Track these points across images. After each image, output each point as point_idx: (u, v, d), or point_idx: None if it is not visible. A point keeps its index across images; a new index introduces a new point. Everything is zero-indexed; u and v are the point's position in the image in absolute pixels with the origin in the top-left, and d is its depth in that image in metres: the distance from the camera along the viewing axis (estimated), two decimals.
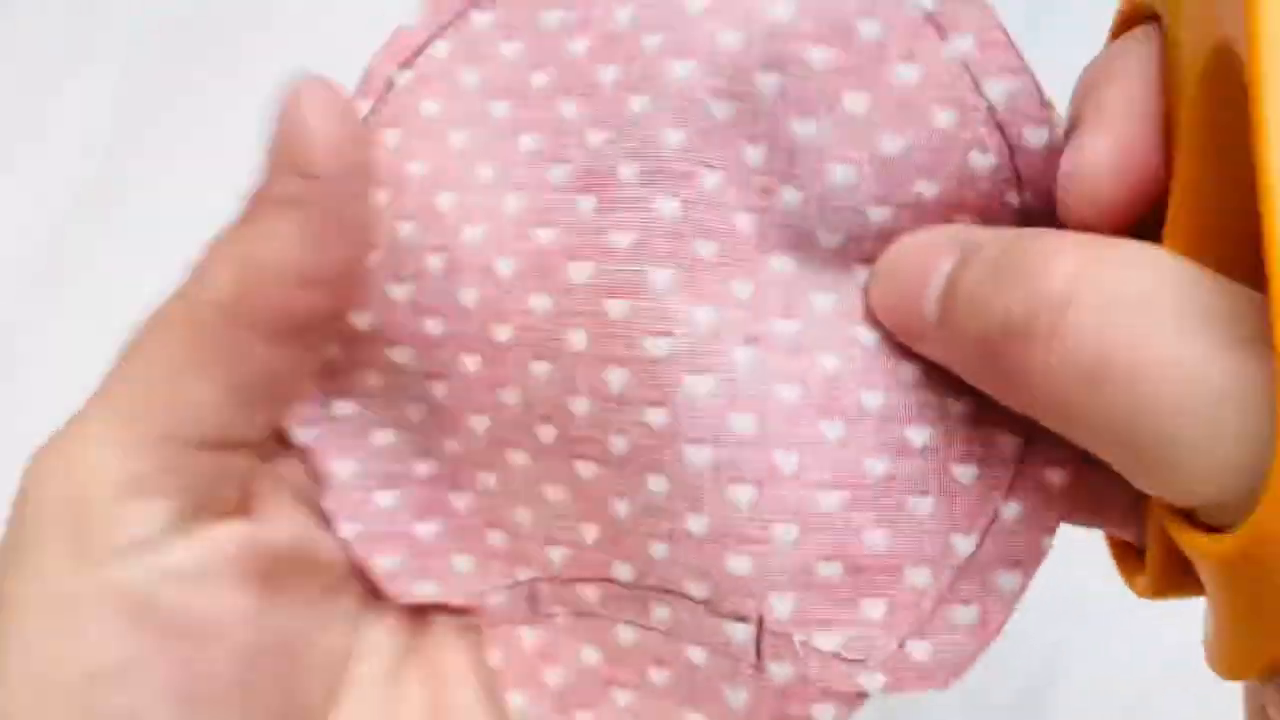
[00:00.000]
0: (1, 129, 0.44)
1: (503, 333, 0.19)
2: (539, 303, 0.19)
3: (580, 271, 0.19)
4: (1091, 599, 0.37)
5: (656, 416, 0.18)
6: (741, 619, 0.19)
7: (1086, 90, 0.17)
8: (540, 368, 0.19)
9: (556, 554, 0.21)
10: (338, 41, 0.46)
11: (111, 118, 0.43)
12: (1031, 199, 0.18)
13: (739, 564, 0.19)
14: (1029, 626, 0.40)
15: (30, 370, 0.41)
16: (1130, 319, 0.14)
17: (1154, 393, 0.14)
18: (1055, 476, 0.19)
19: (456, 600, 0.21)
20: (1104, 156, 0.16)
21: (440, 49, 0.21)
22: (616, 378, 0.19)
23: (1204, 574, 0.15)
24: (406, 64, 0.21)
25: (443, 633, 0.22)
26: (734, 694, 0.19)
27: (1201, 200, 0.15)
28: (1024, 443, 0.19)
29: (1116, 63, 0.17)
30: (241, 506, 0.19)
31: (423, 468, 0.21)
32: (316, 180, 0.16)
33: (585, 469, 0.20)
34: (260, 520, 0.19)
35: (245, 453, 0.19)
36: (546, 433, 0.20)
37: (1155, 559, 0.18)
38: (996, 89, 0.18)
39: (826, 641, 0.19)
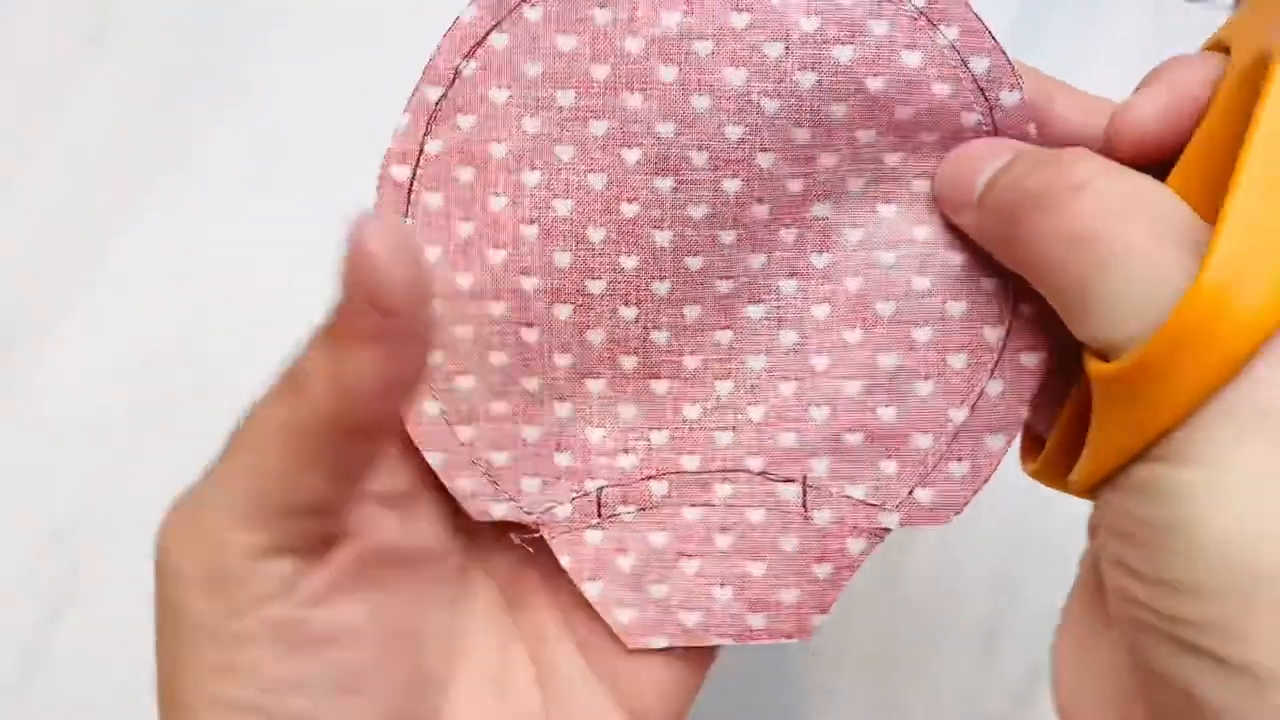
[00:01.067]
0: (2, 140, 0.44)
1: (596, 286, 0.24)
2: (628, 262, 0.24)
3: (663, 237, 0.24)
4: None
5: (724, 337, 0.25)
6: (789, 481, 0.25)
7: (1153, 72, 0.23)
8: (628, 312, 0.24)
9: (628, 461, 0.25)
10: (339, 55, 0.46)
11: (111, 130, 0.43)
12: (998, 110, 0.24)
13: (787, 439, 0.25)
14: (1022, 634, 0.40)
15: (31, 374, 0.41)
16: (1120, 211, 0.19)
17: (1115, 262, 0.19)
18: (1030, 360, 0.24)
19: (527, 519, 0.25)
20: (1149, 110, 0.22)
21: (499, 40, 0.24)
22: (692, 311, 0.25)
23: (1095, 399, 0.20)
24: (470, 54, 0.24)
25: (537, 600, 0.26)
26: (786, 541, 0.25)
27: (1201, 162, 0.21)
28: (1006, 334, 0.24)
29: (1179, 61, 0.22)
30: (343, 527, 0.22)
31: (499, 407, 0.25)
32: (395, 316, 0.19)
33: (660, 386, 0.25)
34: (360, 534, 0.22)
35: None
36: (628, 362, 0.25)
37: (1051, 445, 0.23)
38: (979, 64, 0.23)
39: (855, 491, 0.25)
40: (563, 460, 0.25)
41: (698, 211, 0.24)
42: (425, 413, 0.25)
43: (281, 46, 0.45)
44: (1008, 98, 0.23)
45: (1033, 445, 0.25)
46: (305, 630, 0.21)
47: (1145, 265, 0.19)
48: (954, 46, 0.23)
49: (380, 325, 0.19)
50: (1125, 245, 0.19)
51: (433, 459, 0.24)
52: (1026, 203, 0.21)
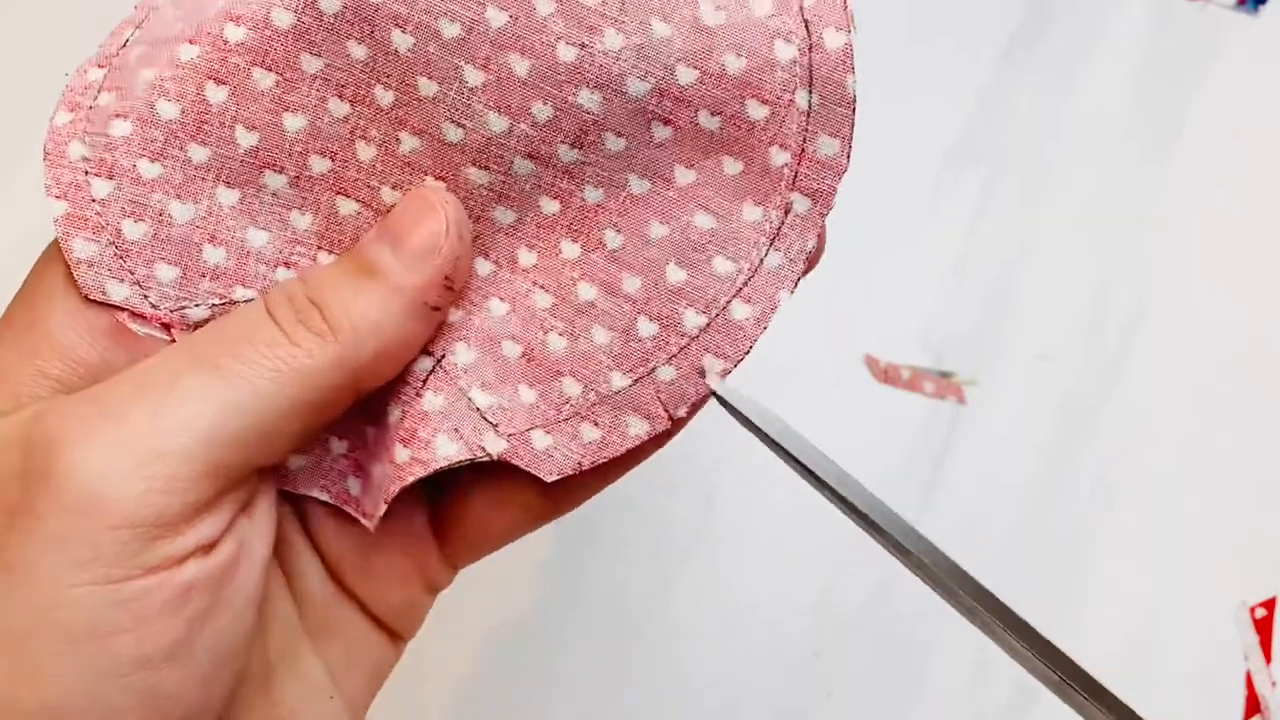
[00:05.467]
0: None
1: (311, 64, 0.22)
2: (358, 51, 0.22)
3: (403, 40, 0.22)
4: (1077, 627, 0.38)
5: (434, 185, 0.23)
6: (430, 354, 0.23)
7: None
8: (339, 107, 0.23)
9: (287, 277, 0.23)
10: None
11: None
12: (818, 102, 0.22)
13: (456, 316, 0.23)
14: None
15: None
16: None
17: None
18: (713, 365, 0.23)
19: (149, 310, 0.22)
20: None
21: None
22: (409, 141, 0.23)
23: None
24: None
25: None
26: (394, 411, 0.23)
27: None
28: (703, 328, 0.23)
29: None
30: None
31: (151, 169, 0.22)
32: (453, 296, 0.23)
33: (348, 206, 0.23)
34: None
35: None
36: (319, 164, 0.23)
37: None
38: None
39: (480, 398, 0.23)
40: (213, 257, 0.23)
41: (450, 30, 0.22)
42: (70, 154, 0.22)
43: None
44: (832, 39, 0.22)
45: None
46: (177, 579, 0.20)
47: None
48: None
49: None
50: None
51: (56, 206, 0.22)
52: None
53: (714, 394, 0.23)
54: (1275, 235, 0.44)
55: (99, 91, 0.22)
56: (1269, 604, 0.40)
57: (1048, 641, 0.22)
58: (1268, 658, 0.39)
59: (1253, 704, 0.39)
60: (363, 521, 0.23)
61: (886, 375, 0.42)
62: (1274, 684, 0.39)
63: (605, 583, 0.40)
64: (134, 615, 0.19)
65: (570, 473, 0.23)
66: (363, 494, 0.24)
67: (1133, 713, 0.22)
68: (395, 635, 0.26)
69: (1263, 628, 0.40)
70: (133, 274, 0.22)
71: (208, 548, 0.20)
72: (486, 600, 0.39)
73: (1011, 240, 0.44)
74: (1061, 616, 0.40)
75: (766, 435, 0.24)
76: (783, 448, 0.24)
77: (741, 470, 0.41)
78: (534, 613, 0.39)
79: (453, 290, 0.23)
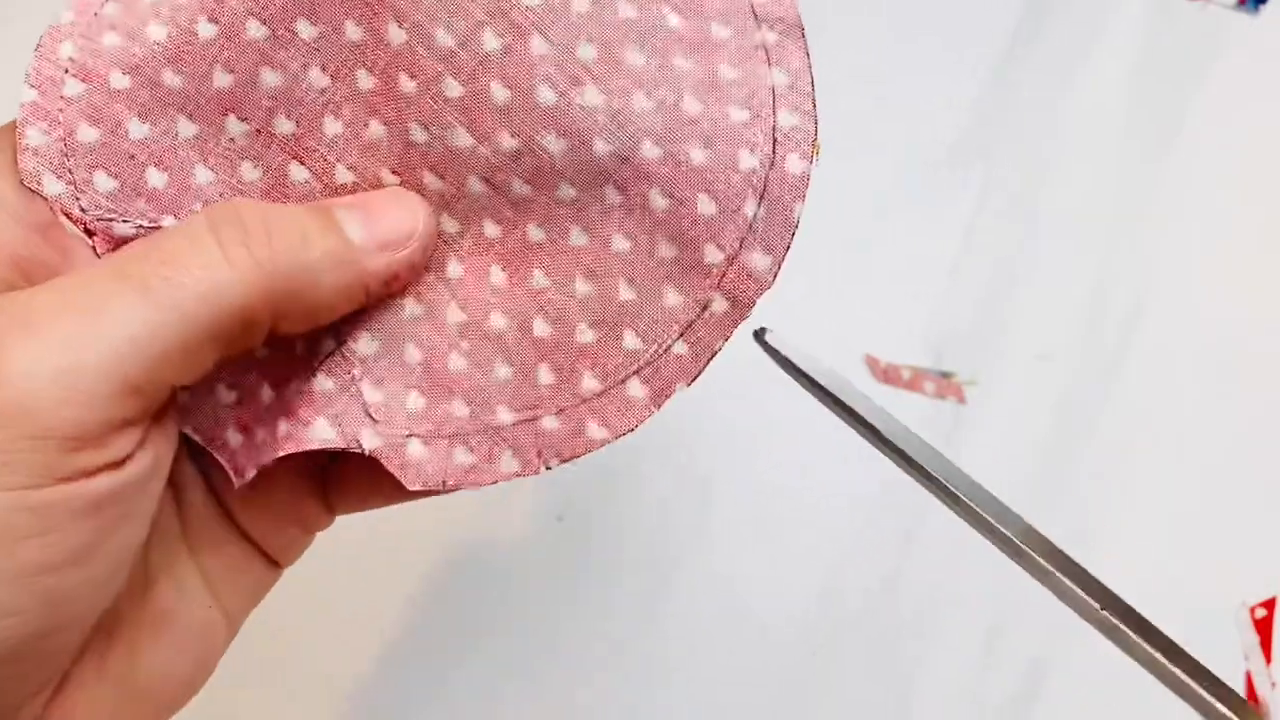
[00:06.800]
0: None
1: (306, 30, 0.23)
2: (354, 32, 0.23)
3: (398, 33, 0.23)
4: (1075, 627, 0.38)
5: (389, 179, 0.24)
6: (334, 336, 0.23)
7: None
8: (319, 78, 0.23)
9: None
10: None
11: None
12: (763, 217, 0.23)
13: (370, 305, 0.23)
14: (1022, 634, 0.40)
15: None
16: None
17: None
18: (596, 432, 0.23)
19: (78, 214, 0.22)
20: None
21: None
22: (376, 130, 0.23)
23: None
24: None
25: None
26: (293, 382, 0.23)
27: None
28: (597, 394, 0.23)
29: None
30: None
31: (121, 80, 0.22)
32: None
33: (299, 172, 0.24)
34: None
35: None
36: (284, 126, 0.23)
37: None
38: (787, 118, 0.23)
39: (369, 392, 0.23)
40: (154, 180, 0.23)
41: (444, 39, 0.23)
42: (60, 52, 0.22)
43: None
44: (793, 165, 0.23)
45: None
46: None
47: None
48: (774, 90, 0.23)
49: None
50: None
51: (26, 93, 0.22)
52: None
53: (756, 337, 0.24)
54: (1274, 235, 0.44)
55: (107, 1, 0.23)
56: (1269, 604, 0.40)
57: (1086, 571, 0.24)
58: (1268, 658, 0.39)
59: (1253, 704, 0.39)
60: (232, 477, 0.23)
61: (887, 375, 0.42)
62: (1274, 684, 0.39)
63: (603, 580, 0.40)
64: (42, 522, 0.19)
65: (433, 489, 0.23)
66: (241, 450, 0.24)
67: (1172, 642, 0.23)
68: (274, 561, 0.26)
69: (1263, 628, 0.40)
70: (71, 174, 0.22)
71: (120, 462, 0.20)
72: (484, 598, 0.39)
73: (1011, 240, 0.44)
74: (1061, 616, 0.40)
75: (804, 374, 0.25)
76: (819, 385, 0.25)
77: (741, 470, 0.41)
78: (531, 611, 0.39)
79: (389, 290, 0.23)
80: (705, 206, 0.23)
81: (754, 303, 0.23)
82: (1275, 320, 0.43)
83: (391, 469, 0.23)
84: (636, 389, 0.23)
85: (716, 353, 0.23)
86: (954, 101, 0.45)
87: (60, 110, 0.22)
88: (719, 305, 0.23)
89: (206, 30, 0.23)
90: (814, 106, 0.23)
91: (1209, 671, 0.23)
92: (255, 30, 0.23)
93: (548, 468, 0.23)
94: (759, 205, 0.23)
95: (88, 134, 0.22)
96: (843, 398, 0.24)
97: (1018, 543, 0.24)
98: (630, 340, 0.23)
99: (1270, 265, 0.44)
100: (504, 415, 0.23)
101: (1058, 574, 0.23)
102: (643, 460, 0.25)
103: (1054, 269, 0.43)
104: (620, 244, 0.23)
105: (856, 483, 0.41)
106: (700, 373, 0.23)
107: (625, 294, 0.23)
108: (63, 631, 0.21)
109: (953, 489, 0.23)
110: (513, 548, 0.40)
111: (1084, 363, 0.42)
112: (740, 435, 0.41)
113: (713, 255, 0.23)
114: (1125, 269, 0.43)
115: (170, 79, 0.23)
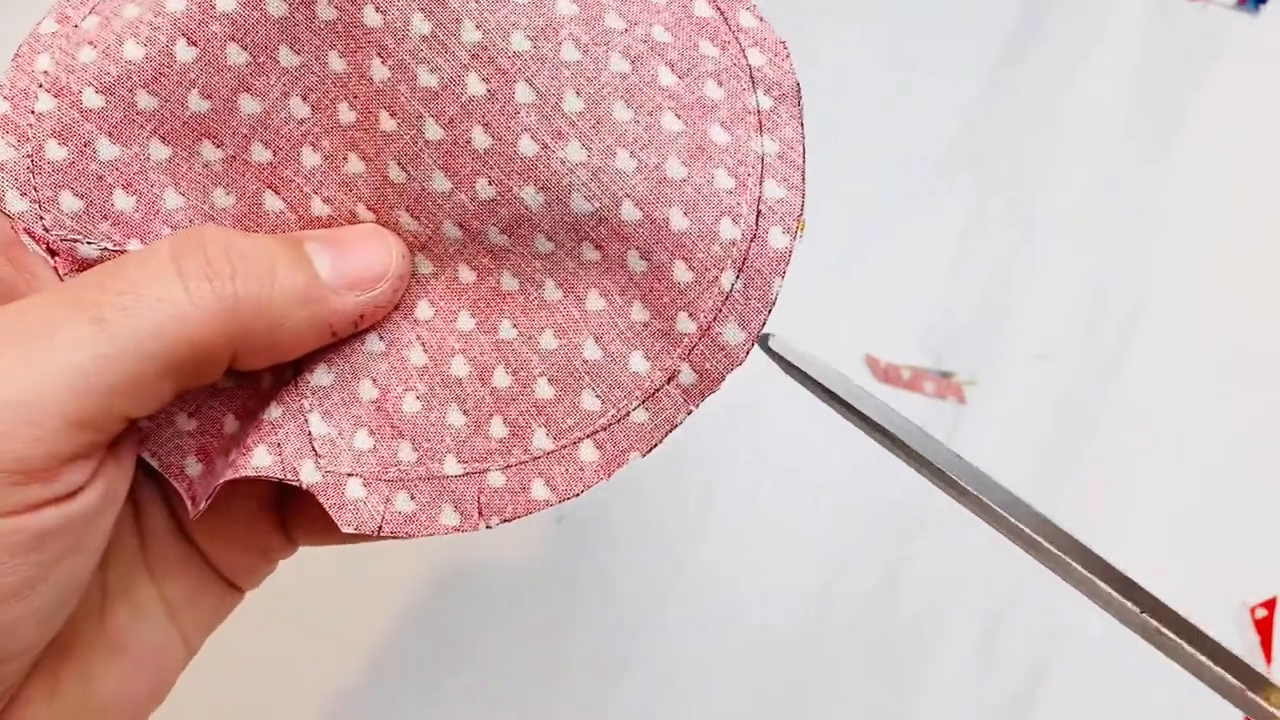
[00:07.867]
0: None
1: (289, 58, 0.23)
2: (337, 64, 0.23)
3: (381, 71, 0.22)
4: (1074, 628, 0.38)
5: (365, 214, 0.23)
6: (293, 364, 0.23)
7: None
8: (299, 108, 0.23)
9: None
10: None
11: None
12: (740, 290, 0.22)
13: (375, 343, 0.23)
14: (1022, 634, 0.40)
15: None
16: None
17: None
18: (541, 493, 0.23)
19: (42, 234, 0.22)
20: None
21: None
22: (355, 165, 0.23)
23: None
24: None
25: None
26: (272, 410, 0.23)
27: None
28: (547, 453, 0.23)
29: None
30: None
31: (94, 100, 0.22)
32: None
33: (273, 202, 0.23)
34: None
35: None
36: (260, 154, 0.23)
37: None
38: (774, 190, 0.22)
39: (316, 424, 0.23)
40: (122, 203, 0.22)
41: (427, 79, 0.22)
42: (36, 64, 0.22)
43: None
44: (775, 239, 0.22)
45: None
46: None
47: None
48: (763, 158, 0.22)
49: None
50: None
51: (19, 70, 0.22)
52: None
53: (758, 343, 0.23)
54: (1274, 235, 0.44)
55: (88, 13, 0.22)
56: (1269, 604, 0.40)
57: (1090, 550, 0.24)
58: (1268, 658, 0.39)
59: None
60: (189, 505, 0.23)
61: (887, 375, 0.42)
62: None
63: (604, 581, 0.40)
64: None
65: (366, 532, 0.22)
66: (199, 479, 0.23)
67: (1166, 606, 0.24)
68: (234, 585, 0.25)
69: (1263, 628, 0.40)
70: (36, 192, 0.22)
71: (70, 495, 0.19)
72: (484, 598, 0.39)
73: (1011, 240, 0.44)
74: (1062, 615, 0.40)
75: (812, 379, 0.24)
76: (827, 389, 0.24)
77: (741, 470, 0.41)
78: (531, 611, 0.39)
79: (355, 329, 0.23)
80: (681, 274, 0.22)
81: (723, 378, 0.22)
82: (1275, 320, 0.43)
83: (327, 506, 0.22)
84: (589, 452, 0.22)
85: (677, 425, 0.22)
86: (954, 102, 0.45)
87: (30, 125, 0.22)
88: (686, 376, 0.22)
89: (185, 53, 0.22)
90: (803, 180, 0.22)
91: (1223, 648, 0.23)
92: (236, 56, 0.22)
93: (488, 526, 0.23)
94: (737, 278, 0.22)
95: (56, 152, 0.22)
96: (854, 403, 0.24)
97: (1029, 533, 0.24)
98: (589, 400, 0.23)
99: (1270, 265, 0.44)
100: (451, 466, 0.23)
101: (1066, 561, 0.24)
102: (642, 463, 0.25)
103: (1054, 269, 0.43)
104: (595, 303, 0.23)
105: (856, 484, 0.41)
106: (658, 443, 0.23)
107: (591, 353, 0.23)
108: (5, 663, 0.20)
109: (970, 489, 0.23)
110: (512, 550, 0.40)
111: (1084, 362, 0.42)
112: (740, 437, 0.41)
113: (685, 324, 0.22)
114: (1125, 269, 0.43)
115: (145, 101, 0.22)
